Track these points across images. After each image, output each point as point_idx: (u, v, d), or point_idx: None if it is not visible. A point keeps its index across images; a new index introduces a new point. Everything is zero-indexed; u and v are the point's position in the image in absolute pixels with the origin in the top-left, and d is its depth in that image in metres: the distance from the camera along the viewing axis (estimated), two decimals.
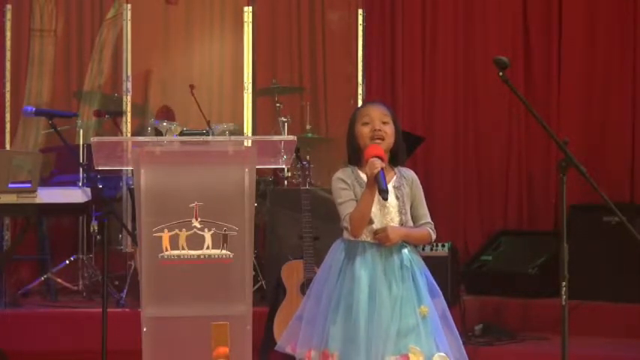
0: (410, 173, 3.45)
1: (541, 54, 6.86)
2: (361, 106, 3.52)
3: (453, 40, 7.14)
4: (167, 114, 7.01)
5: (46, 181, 6.28)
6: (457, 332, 3.38)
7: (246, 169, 3.31)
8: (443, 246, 5.80)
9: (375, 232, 3.30)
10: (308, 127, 7.32)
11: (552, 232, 6.39)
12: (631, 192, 6.39)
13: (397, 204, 3.35)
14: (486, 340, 5.40)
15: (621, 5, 6.58)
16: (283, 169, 6.35)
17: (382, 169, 3.21)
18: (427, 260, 3.43)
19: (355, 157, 3.40)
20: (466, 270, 6.26)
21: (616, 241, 5.55)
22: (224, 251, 3.30)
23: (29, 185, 4.27)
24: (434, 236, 3.44)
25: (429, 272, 3.39)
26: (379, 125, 3.34)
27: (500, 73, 3.28)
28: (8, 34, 6.79)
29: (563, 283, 3.19)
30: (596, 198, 3.62)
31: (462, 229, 6.93)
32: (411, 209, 3.39)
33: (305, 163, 5.14)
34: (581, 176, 3.26)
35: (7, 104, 6.77)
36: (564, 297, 3.19)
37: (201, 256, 3.30)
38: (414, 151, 6.26)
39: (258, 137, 3.80)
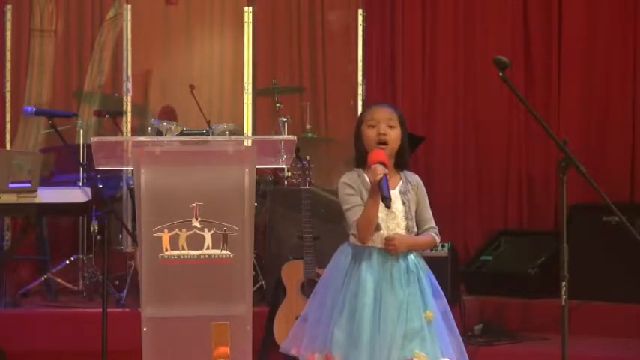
0: (415, 178, 3.42)
1: (541, 54, 6.85)
2: (369, 107, 3.45)
3: (453, 40, 7.14)
4: (170, 114, 7.01)
5: (46, 181, 6.27)
6: (458, 333, 3.38)
7: (246, 169, 3.31)
8: (443, 246, 5.78)
9: (385, 240, 3.29)
10: (308, 127, 7.32)
11: (552, 232, 6.38)
12: (631, 192, 6.38)
13: (404, 209, 3.33)
14: (486, 340, 5.40)
15: (621, 5, 6.57)
16: (283, 169, 6.35)
17: (385, 175, 3.18)
18: (427, 260, 3.43)
19: (362, 159, 3.36)
20: (466, 270, 6.26)
21: (616, 241, 5.54)
22: (224, 251, 3.30)
23: (29, 185, 4.26)
24: (438, 240, 3.43)
25: (432, 275, 3.39)
26: (384, 129, 3.31)
27: (500, 73, 3.28)
28: (8, 34, 6.78)
29: (563, 283, 3.19)
30: (596, 198, 3.61)
31: (461, 229, 6.92)
32: (415, 213, 3.37)
33: (305, 163, 5.14)
34: (581, 176, 3.26)
35: (7, 104, 6.77)
36: (564, 297, 3.19)
37: (201, 256, 3.30)
38: (414, 151, 6.26)
39: (258, 137, 3.80)
